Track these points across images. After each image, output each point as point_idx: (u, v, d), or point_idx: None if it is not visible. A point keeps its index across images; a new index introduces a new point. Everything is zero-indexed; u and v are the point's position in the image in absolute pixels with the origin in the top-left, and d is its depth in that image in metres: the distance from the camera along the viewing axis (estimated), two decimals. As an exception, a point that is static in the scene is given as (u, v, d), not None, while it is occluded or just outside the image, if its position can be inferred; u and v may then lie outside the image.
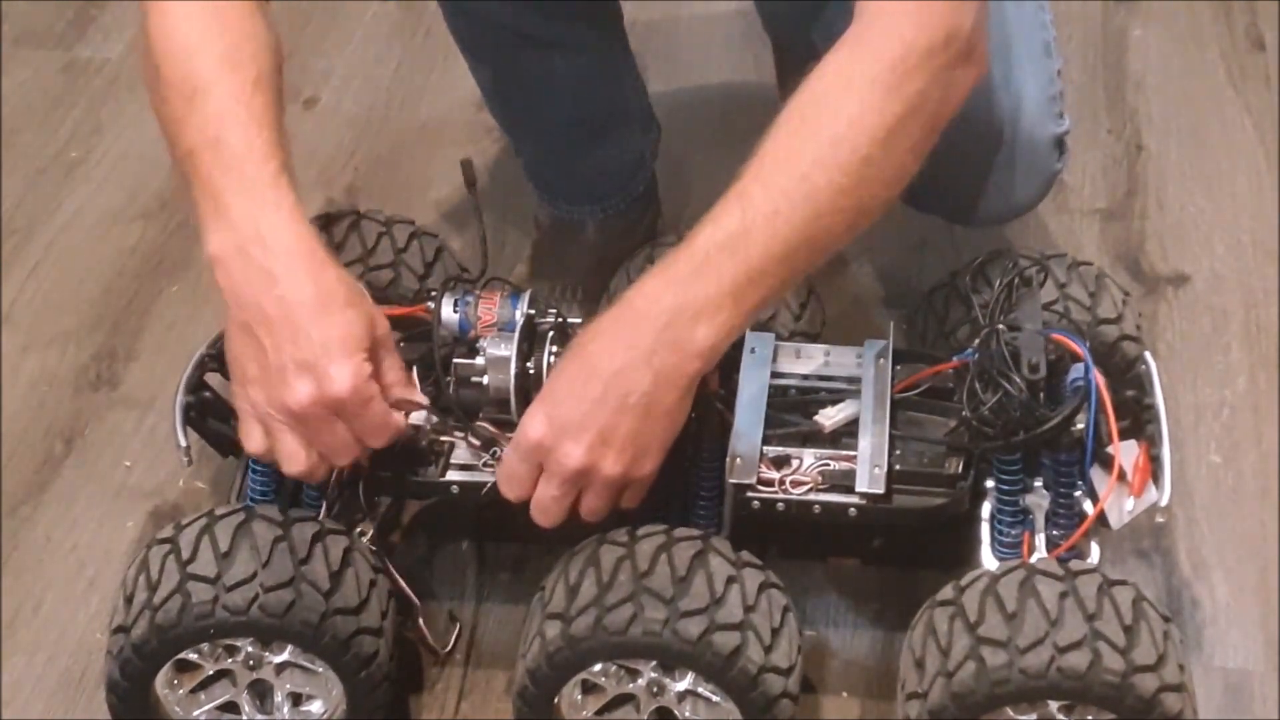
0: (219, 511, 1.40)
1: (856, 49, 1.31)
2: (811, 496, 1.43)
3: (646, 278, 1.32)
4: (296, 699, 1.44)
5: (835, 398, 1.50)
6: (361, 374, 1.32)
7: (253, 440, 1.37)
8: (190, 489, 1.74)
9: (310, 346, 1.31)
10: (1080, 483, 1.42)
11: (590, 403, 1.30)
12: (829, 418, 1.47)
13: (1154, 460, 1.41)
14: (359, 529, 1.45)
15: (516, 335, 1.42)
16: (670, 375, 1.31)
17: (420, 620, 1.51)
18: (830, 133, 1.29)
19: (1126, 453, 1.40)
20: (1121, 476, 1.40)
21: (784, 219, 1.28)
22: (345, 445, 1.35)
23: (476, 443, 1.43)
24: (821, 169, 1.28)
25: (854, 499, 1.42)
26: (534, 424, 1.32)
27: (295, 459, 1.35)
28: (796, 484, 1.43)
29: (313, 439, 1.34)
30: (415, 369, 1.45)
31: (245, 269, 1.32)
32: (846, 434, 1.47)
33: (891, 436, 1.45)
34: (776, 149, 1.30)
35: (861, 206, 1.31)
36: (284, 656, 1.40)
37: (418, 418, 1.40)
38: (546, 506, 1.35)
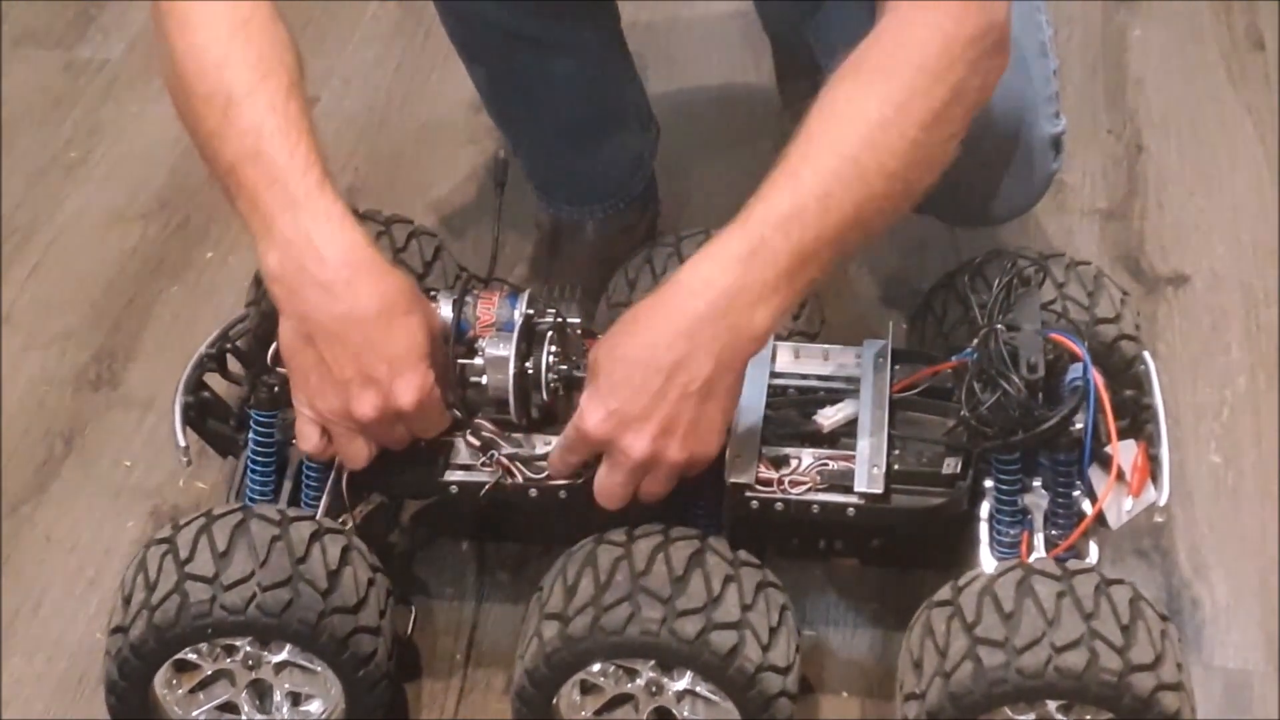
0: (216, 511, 1.40)
1: (902, 35, 1.31)
2: (810, 496, 1.43)
3: (700, 259, 1.31)
4: (296, 698, 1.44)
5: (834, 398, 1.50)
6: (425, 386, 1.35)
7: (308, 441, 1.40)
8: (190, 489, 1.74)
9: (375, 362, 1.33)
10: (1079, 482, 1.42)
11: (651, 395, 1.30)
12: (828, 418, 1.47)
13: (1152, 460, 1.41)
14: (341, 519, 1.46)
15: (515, 335, 1.42)
16: (729, 360, 1.31)
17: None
18: (880, 115, 1.29)
19: (1125, 452, 1.40)
20: (1120, 476, 1.40)
21: (835, 200, 1.28)
22: (402, 440, 1.40)
23: (476, 443, 1.43)
24: (872, 151, 1.29)
25: (853, 499, 1.43)
26: (594, 417, 1.32)
27: (359, 458, 1.40)
28: (795, 484, 1.43)
29: (373, 438, 1.38)
30: None
31: (303, 285, 1.33)
32: (845, 434, 1.47)
33: (890, 436, 1.45)
34: (824, 129, 1.31)
35: (908, 190, 1.32)
36: (283, 656, 1.40)
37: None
38: (612, 493, 1.36)
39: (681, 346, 1.29)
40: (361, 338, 1.33)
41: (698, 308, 1.29)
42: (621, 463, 1.33)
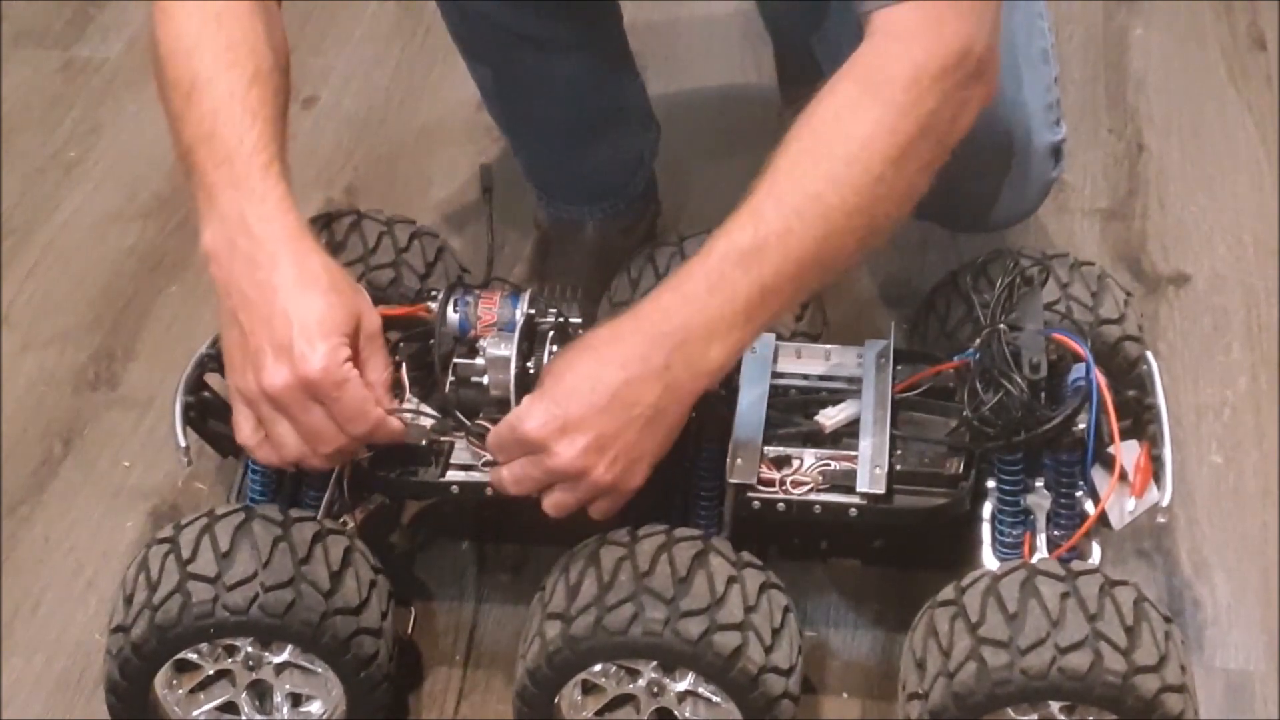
0: (219, 511, 1.40)
1: (871, 67, 1.31)
2: (812, 497, 1.43)
3: (661, 291, 1.32)
4: (296, 699, 1.44)
5: (836, 398, 1.50)
6: (335, 356, 1.31)
7: (241, 431, 1.37)
8: (189, 489, 1.74)
9: (286, 328, 1.31)
10: (1081, 483, 1.42)
11: (595, 409, 1.30)
12: (830, 418, 1.47)
13: (1155, 460, 1.41)
14: (342, 519, 1.45)
15: (516, 335, 1.42)
16: (679, 392, 1.31)
17: None
18: (844, 151, 1.29)
19: (1128, 453, 1.40)
20: (1123, 477, 1.40)
21: (797, 237, 1.28)
22: (326, 432, 1.34)
23: (476, 443, 1.43)
24: (835, 188, 1.28)
25: (855, 499, 1.42)
26: (535, 417, 1.31)
27: (287, 446, 1.35)
28: (797, 484, 1.43)
29: (295, 425, 1.34)
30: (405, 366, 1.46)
31: (233, 258, 1.33)
32: (847, 434, 1.47)
33: (892, 436, 1.45)
34: (790, 165, 1.30)
35: (873, 225, 1.31)
36: (283, 657, 1.40)
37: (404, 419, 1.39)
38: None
39: (634, 369, 1.29)
40: (278, 305, 1.31)
41: (654, 337, 1.29)
42: (545, 463, 1.32)
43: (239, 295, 1.32)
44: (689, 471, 1.47)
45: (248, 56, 1.38)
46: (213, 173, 1.35)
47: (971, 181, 1.61)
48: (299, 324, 1.31)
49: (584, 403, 1.30)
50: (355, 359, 1.34)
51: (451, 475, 1.45)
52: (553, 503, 1.35)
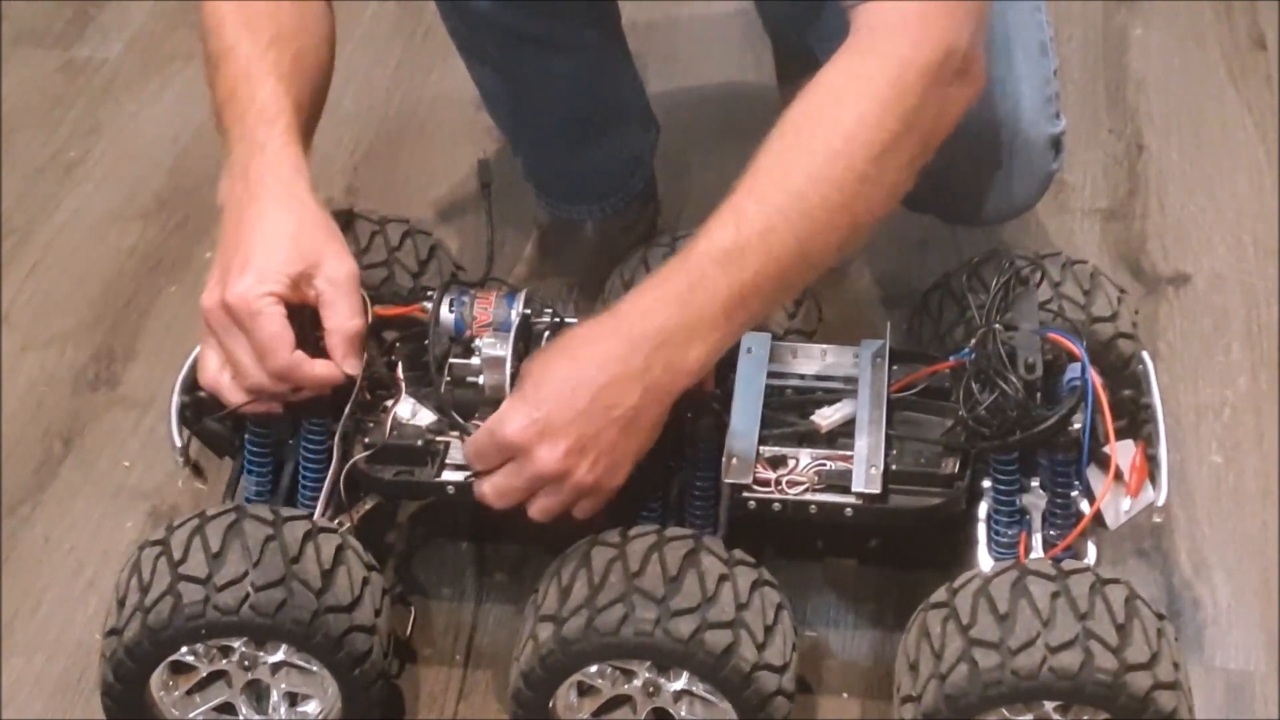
0: (210, 512, 1.40)
1: (854, 63, 1.31)
2: (808, 497, 1.42)
3: (641, 291, 1.32)
4: (293, 699, 1.44)
5: (832, 397, 1.50)
6: (257, 288, 1.34)
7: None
8: (189, 489, 1.73)
9: (233, 256, 1.36)
10: (1077, 483, 1.42)
11: (575, 412, 1.30)
12: (825, 418, 1.47)
13: (1151, 460, 1.41)
14: (337, 520, 1.45)
15: (512, 335, 1.42)
16: (658, 393, 1.31)
17: None
18: (826, 148, 1.28)
19: (1123, 452, 1.40)
20: (1118, 476, 1.40)
21: (778, 236, 1.28)
22: (244, 363, 1.37)
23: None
24: (816, 185, 1.28)
25: (850, 499, 1.42)
26: (514, 422, 1.32)
27: (205, 369, 1.41)
28: (793, 484, 1.43)
29: (222, 348, 1.38)
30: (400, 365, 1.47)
31: (231, 204, 1.39)
32: (843, 434, 1.47)
33: (888, 436, 1.44)
34: (771, 163, 1.30)
35: (855, 223, 1.31)
36: (279, 656, 1.40)
37: (350, 366, 1.40)
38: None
39: (614, 370, 1.29)
40: (238, 239, 1.36)
41: (633, 338, 1.29)
42: (527, 469, 1.32)
43: (227, 226, 1.38)
44: (684, 471, 1.47)
45: (268, 21, 1.45)
46: (231, 130, 1.42)
47: (972, 174, 1.61)
48: (242, 255, 1.35)
49: (563, 406, 1.30)
50: (316, 302, 1.38)
51: (447, 475, 1.45)
52: (538, 508, 1.36)
